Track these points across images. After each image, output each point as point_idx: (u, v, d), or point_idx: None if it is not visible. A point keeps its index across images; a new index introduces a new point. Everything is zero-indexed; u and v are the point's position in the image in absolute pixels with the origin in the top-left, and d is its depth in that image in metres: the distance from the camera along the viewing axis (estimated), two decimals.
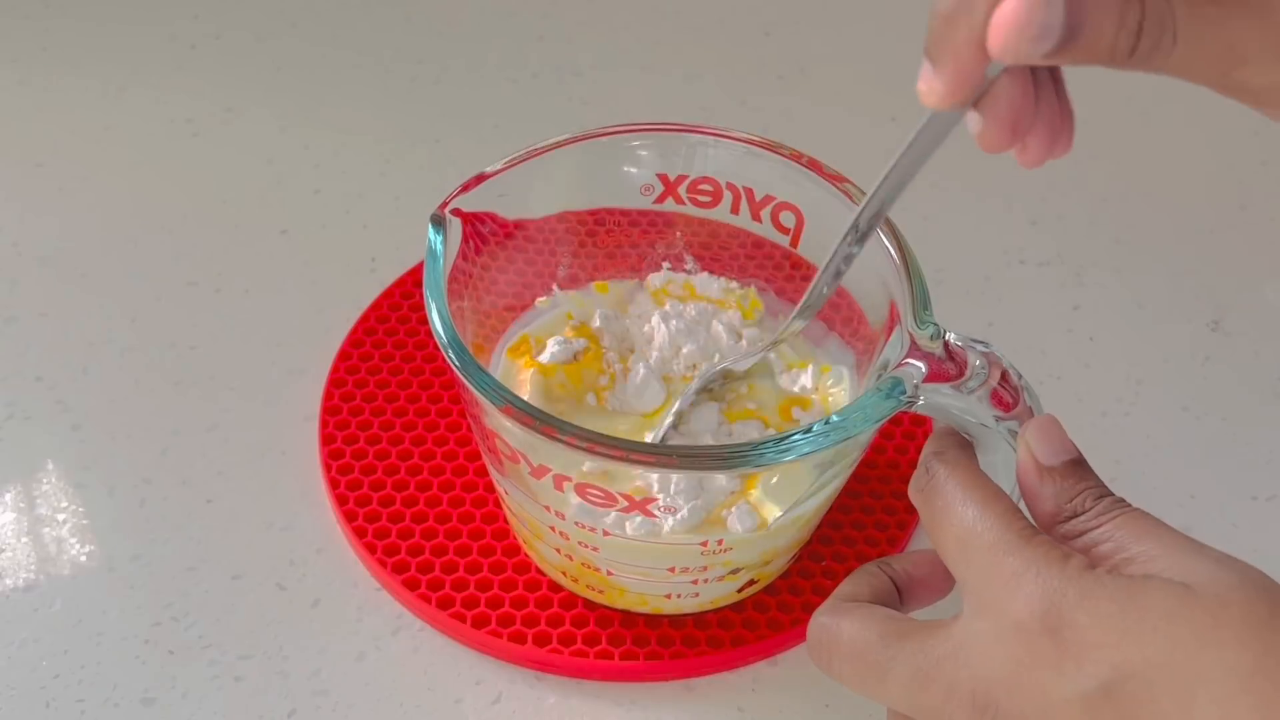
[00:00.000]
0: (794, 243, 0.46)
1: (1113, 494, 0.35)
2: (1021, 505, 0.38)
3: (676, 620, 0.46)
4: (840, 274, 0.41)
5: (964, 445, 0.38)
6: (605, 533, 0.41)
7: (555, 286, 0.49)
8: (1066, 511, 0.35)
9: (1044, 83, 0.34)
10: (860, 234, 0.39)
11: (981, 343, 0.39)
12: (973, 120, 0.33)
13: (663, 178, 0.46)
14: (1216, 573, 0.31)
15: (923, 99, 0.33)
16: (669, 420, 0.44)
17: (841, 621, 0.36)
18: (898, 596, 0.39)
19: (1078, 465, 0.36)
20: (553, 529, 0.42)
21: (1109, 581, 0.32)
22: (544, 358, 0.46)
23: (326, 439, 0.51)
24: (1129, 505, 0.35)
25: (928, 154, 0.35)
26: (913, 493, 0.37)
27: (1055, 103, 0.34)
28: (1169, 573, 0.32)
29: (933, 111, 0.33)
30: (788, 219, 0.45)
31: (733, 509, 0.42)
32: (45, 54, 0.69)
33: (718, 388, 0.46)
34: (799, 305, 0.42)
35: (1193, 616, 0.30)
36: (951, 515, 0.35)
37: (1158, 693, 0.30)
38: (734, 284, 0.49)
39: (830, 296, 0.42)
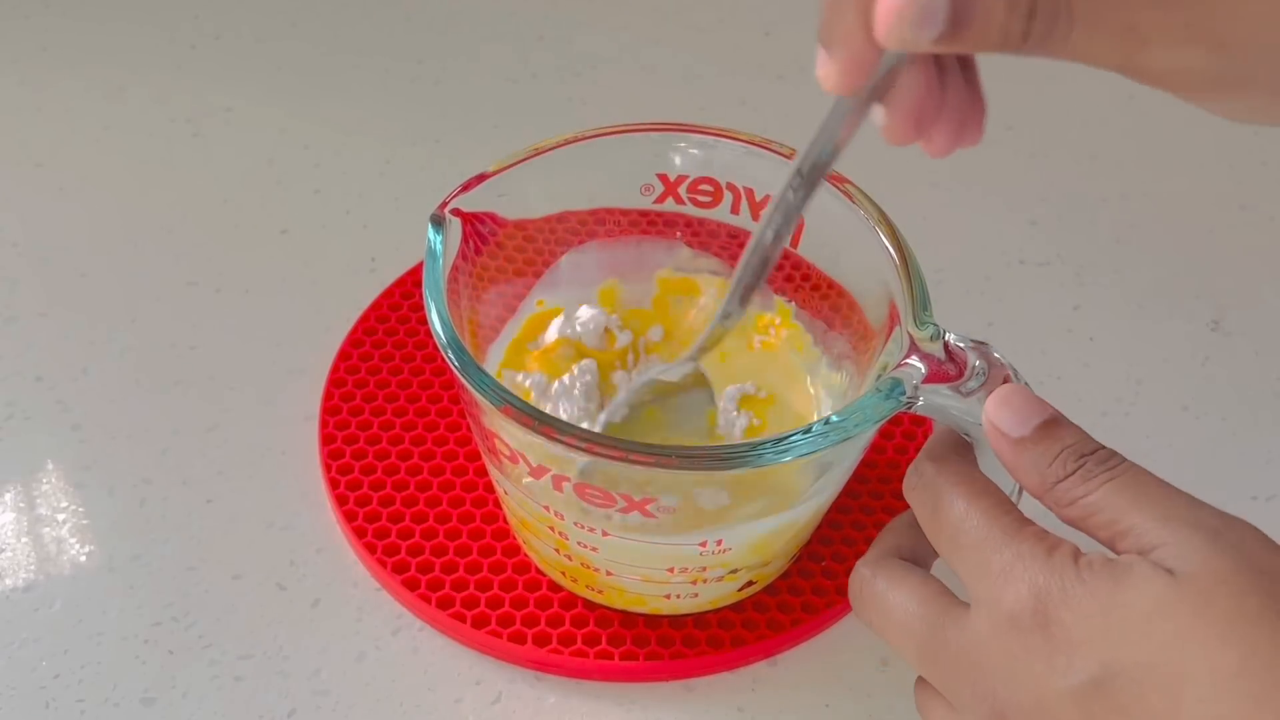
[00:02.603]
0: (794, 243, 0.46)
1: (1099, 447, 0.34)
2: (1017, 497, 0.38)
3: (676, 620, 0.46)
4: (767, 263, 0.39)
5: (958, 445, 0.38)
6: (604, 533, 0.41)
7: (556, 286, 0.49)
8: (1050, 477, 0.34)
9: (951, 72, 0.33)
10: (776, 230, 0.38)
11: (981, 343, 0.39)
12: (877, 113, 0.33)
13: (663, 178, 0.46)
14: (1209, 555, 0.31)
15: (821, 84, 0.32)
16: (603, 419, 0.44)
17: (890, 591, 0.37)
18: (931, 548, 0.39)
19: (1050, 425, 0.34)
20: (552, 529, 0.42)
21: (1090, 577, 0.32)
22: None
23: (326, 439, 0.51)
24: (1118, 462, 0.34)
25: (844, 139, 0.35)
26: (905, 493, 0.38)
27: (964, 92, 0.33)
28: (1159, 553, 0.31)
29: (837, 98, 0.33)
30: None
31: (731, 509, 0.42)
32: (45, 54, 0.69)
33: (650, 401, 0.45)
34: (719, 310, 0.41)
35: (1175, 615, 0.30)
36: (941, 513, 0.35)
37: (1146, 690, 0.30)
38: None
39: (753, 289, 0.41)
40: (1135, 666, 0.31)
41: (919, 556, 0.39)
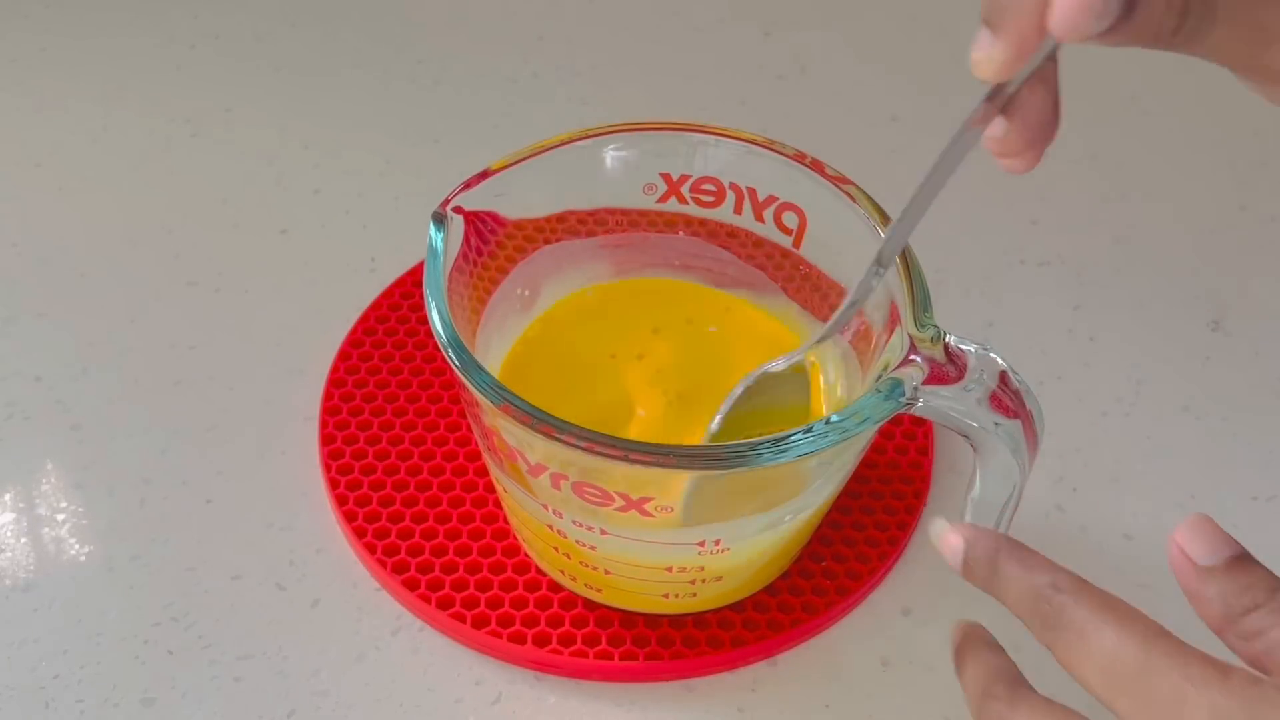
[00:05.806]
0: (796, 243, 0.46)
1: None
2: (1004, 526, 0.38)
3: (676, 620, 0.46)
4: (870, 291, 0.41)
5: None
6: (602, 531, 0.41)
7: (556, 287, 0.49)
8: (1237, 608, 0.32)
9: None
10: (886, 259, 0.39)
11: (982, 345, 0.39)
12: (997, 126, 0.34)
13: (666, 177, 0.46)
14: None
15: (977, 69, 0.32)
16: (715, 425, 0.44)
17: None
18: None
19: (1243, 559, 0.33)
20: (550, 527, 0.42)
21: (1277, 697, 0.29)
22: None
23: (326, 439, 0.51)
24: None
25: (949, 175, 0.35)
26: (1037, 632, 0.34)
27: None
28: None
29: (962, 127, 0.33)
30: (790, 220, 0.45)
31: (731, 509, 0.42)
32: (44, 54, 0.69)
33: (756, 389, 0.45)
34: (831, 320, 0.42)
35: None
36: (1087, 646, 0.32)
37: None
38: None
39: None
40: None
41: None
